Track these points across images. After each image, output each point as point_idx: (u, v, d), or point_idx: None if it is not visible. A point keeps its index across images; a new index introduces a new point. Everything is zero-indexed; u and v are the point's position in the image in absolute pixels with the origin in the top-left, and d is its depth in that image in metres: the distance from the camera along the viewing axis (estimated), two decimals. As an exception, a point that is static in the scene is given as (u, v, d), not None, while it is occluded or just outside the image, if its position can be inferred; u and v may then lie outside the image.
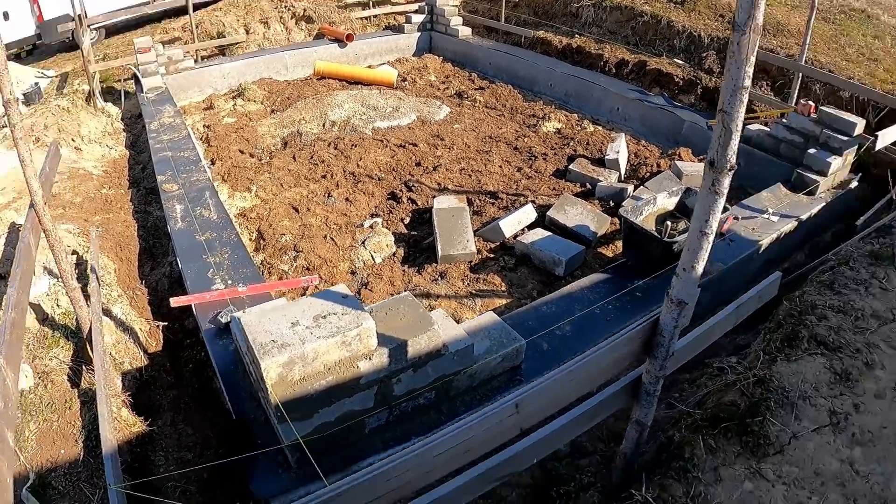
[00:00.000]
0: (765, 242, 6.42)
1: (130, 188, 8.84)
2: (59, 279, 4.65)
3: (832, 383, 4.28)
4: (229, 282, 5.63)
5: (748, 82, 2.18)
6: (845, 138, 7.12)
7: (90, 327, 4.91)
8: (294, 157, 8.80)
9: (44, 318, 5.46)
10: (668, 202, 6.16)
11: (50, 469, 4.47)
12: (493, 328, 4.51)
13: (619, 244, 6.66)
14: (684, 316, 2.94)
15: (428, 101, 10.68)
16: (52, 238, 4.28)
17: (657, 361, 3.19)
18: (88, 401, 5.09)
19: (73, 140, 9.63)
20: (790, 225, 6.70)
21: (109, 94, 12.18)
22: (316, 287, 6.09)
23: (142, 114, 10.60)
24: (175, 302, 5.59)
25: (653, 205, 6.06)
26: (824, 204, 7.10)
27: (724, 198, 2.57)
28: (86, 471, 4.53)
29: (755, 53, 2.12)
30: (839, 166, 7.22)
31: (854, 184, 7.47)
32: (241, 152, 9.04)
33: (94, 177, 8.84)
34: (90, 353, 5.29)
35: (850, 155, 7.30)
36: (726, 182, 2.49)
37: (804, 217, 6.85)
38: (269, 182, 8.13)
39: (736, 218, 6.76)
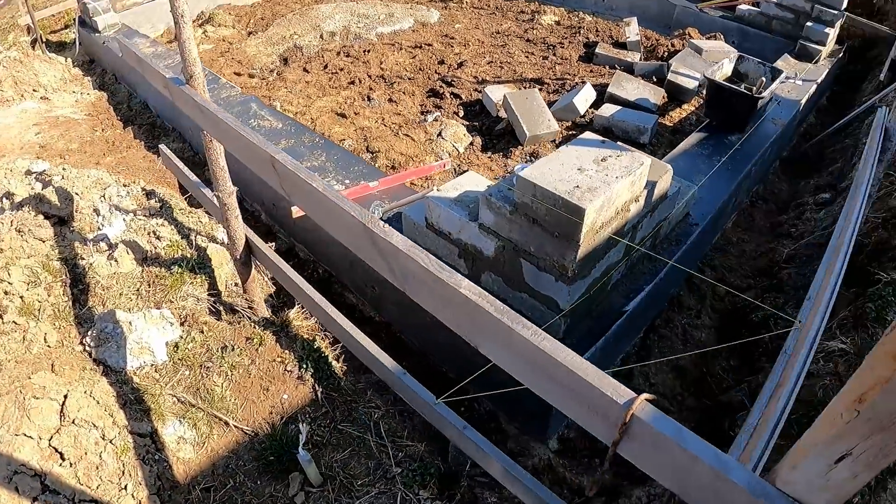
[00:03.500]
0: (802, 101, 6.96)
1: (126, 127, 8.12)
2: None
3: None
4: (346, 182, 5.34)
5: None
6: (835, 11, 7.73)
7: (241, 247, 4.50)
8: (305, 70, 8.34)
9: (143, 258, 4.89)
10: (728, 68, 6.54)
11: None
12: (665, 177, 4.54)
13: (675, 114, 7.00)
14: None
15: (413, 6, 10.30)
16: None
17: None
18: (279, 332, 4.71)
19: (34, 91, 8.71)
20: (813, 87, 7.28)
21: (47, 45, 10.91)
22: (447, 171, 5.94)
23: (93, 59, 9.76)
24: (297, 213, 5.07)
25: (720, 70, 6.41)
26: (828, 69, 7.76)
27: None
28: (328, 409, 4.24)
29: None
30: (832, 37, 7.88)
31: (841, 53, 8.19)
32: (238, 74, 8.44)
33: (80, 121, 8.05)
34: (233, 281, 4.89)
35: (838, 27, 7.97)
36: None
37: (819, 80, 7.46)
38: (291, 95, 7.71)
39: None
